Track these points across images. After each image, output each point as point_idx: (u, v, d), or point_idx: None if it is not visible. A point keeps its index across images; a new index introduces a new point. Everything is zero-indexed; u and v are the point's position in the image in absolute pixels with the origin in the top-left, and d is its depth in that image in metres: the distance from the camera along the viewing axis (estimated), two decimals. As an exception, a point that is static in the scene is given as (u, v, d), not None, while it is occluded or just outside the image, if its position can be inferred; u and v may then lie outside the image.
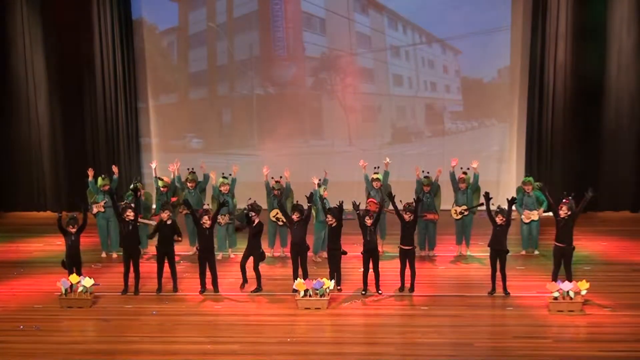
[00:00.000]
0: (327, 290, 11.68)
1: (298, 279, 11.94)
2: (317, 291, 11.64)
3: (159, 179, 14.53)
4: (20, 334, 10.95)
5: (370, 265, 12.10)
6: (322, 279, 11.75)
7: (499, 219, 11.81)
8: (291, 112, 17.84)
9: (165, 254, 12.31)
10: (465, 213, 13.89)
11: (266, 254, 12.84)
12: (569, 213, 11.87)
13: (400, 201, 12.60)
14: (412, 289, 12.20)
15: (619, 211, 17.04)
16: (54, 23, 17.22)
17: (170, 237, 12.26)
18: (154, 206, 14.52)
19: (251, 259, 12.29)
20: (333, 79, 17.66)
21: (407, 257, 12.12)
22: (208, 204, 13.96)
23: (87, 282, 11.85)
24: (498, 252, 11.89)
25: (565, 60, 16.39)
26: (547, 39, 16.36)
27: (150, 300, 12.12)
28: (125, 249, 12.31)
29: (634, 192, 16.98)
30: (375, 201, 13.82)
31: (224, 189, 13.82)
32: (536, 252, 14.13)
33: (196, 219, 12.22)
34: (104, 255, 14.27)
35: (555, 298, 11.38)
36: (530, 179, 14.10)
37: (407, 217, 11.98)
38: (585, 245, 14.13)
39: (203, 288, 12.34)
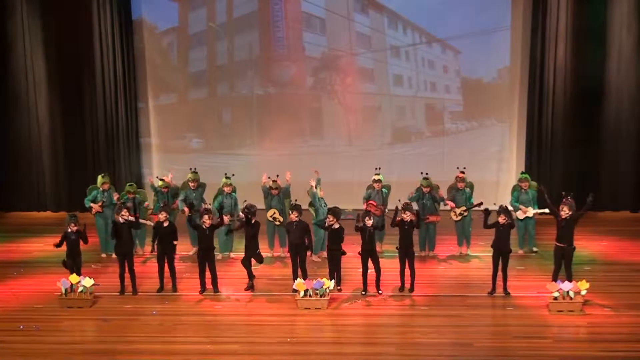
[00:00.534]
0: (327, 290, 11.68)
1: (298, 279, 11.94)
2: (317, 291, 11.64)
3: (159, 179, 14.53)
4: (20, 334, 10.95)
5: (371, 265, 12.11)
6: (322, 279, 11.76)
7: (501, 219, 11.81)
8: (291, 112, 17.83)
9: (165, 253, 12.32)
10: (465, 214, 13.89)
11: (266, 254, 12.86)
12: (570, 213, 11.87)
13: (399, 200, 12.62)
14: (411, 289, 12.21)
15: (619, 211, 17.03)
16: (54, 23, 17.20)
17: (168, 236, 12.26)
18: (150, 207, 14.45)
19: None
20: (333, 79, 17.66)
21: (406, 257, 12.13)
22: (210, 204, 13.97)
23: (87, 282, 11.86)
24: (501, 253, 11.89)
25: (565, 60, 16.38)
26: (547, 39, 16.35)
27: (150, 300, 12.13)
28: (119, 249, 12.33)
29: (634, 192, 16.98)
30: (375, 203, 13.82)
31: (227, 189, 13.81)
32: (535, 249, 14.13)
33: (195, 225, 12.28)
34: (104, 255, 14.26)
35: (555, 298, 11.38)
36: (526, 175, 14.11)
37: (405, 216, 11.97)
38: (585, 245, 14.13)
39: (203, 288, 12.35)
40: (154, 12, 17.75)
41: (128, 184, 14.30)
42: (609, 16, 16.33)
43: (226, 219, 13.66)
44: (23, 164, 17.86)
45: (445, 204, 13.91)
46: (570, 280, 11.60)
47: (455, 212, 13.93)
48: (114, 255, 14.07)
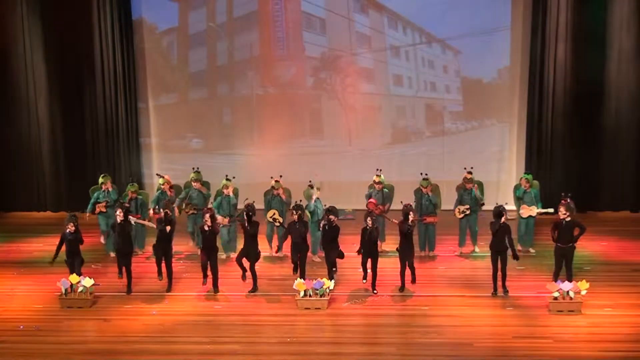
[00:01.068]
0: (327, 290, 11.68)
1: (298, 279, 11.94)
2: (317, 291, 11.64)
3: (160, 176, 14.54)
4: (20, 334, 10.96)
5: (369, 265, 12.12)
6: (322, 279, 11.76)
7: (504, 218, 11.82)
8: (291, 112, 17.83)
9: (164, 252, 12.33)
10: (467, 212, 13.90)
11: (266, 254, 12.86)
12: (567, 214, 11.88)
13: (401, 202, 12.63)
14: (413, 280, 12.19)
15: (619, 211, 17.03)
16: (54, 23, 17.20)
17: (168, 236, 12.27)
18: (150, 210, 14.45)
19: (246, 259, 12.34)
20: (333, 79, 17.65)
21: (406, 258, 12.14)
22: (211, 202, 14.02)
23: (87, 282, 11.87)
24: (499, 253, 11.90)
25: (565, 60, 16.38)
26: (547, 39, 16.35)
27: (150, 300, 12.13)
28: (118, 248, 12.34)
29: (634, 192, 16.97)
30: (375, 201, 13.83)
31: (227, 191, 13.81)
32: (532, 251, 14.14)
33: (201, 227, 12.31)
34: (112, 255, 14.19)
35: (555, 298, 11.39)
36: (529, 176, 14.10)
37: (412, 217, 12.01)
38: (585, 245, 14.13)
39: (205, 278, 12.33)
40: (154, 12, 17.74)
41: (129, 184, 14.30)
42: (609, 16, 16.32)
43: (224, 220, 13.66)
44: (23, 164, 17.85)
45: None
46: (570, 280, 11.60)
47: (459, 209, 13.95)
48: (112, 254, 14.12)
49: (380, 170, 14.19)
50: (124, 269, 12.33)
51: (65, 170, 17.81)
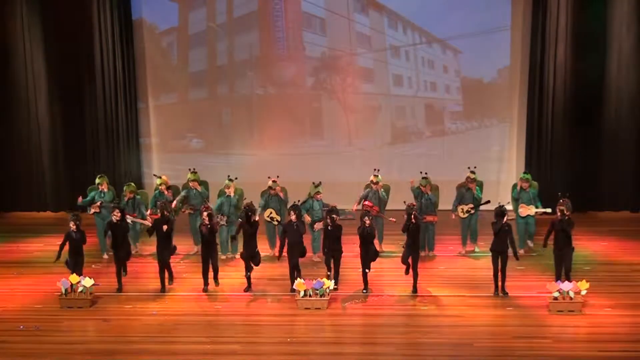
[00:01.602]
0: (327, 290, 11.68)
1: (298, 279, 11.94)
2: (317, 291, 11.64)
3: (157, 177, 14.54)
4: (20, 334, 10.96)
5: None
6: (322, 279, 11.76)
7: (505, 218, 11.82)
8: (291, 112, 17.83)
9: (169, 254, 12.36)
10: (472, 211, 13.90)
11: (266, 254, 12.85)
12: (568, 213, 11.88)
13: (405, 202, 12.62)
14: (414, 290, 12.17)
15: (619, 211, 17.03)
16: (54, 23, 17.20)
17: (167, 236, 12.28)
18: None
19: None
20: (333, 79, 17.65)
21: (412, 257, 12.11)
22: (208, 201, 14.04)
23: (87, 282, 11.86)
24: (499, 253, 11.89)
25: (565, 60, 16.38)
26: (547, 39, 16.35)
27: (150, 300, 12.13)
28: (115, 248, 12.34)
29: (634, 192, 16.97)
30: (370, 203, 13.83)
31: (228, 191, 13.81)
32: (530, 243, 14.12)
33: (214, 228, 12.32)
34: (105, 256, 14.20)
35: (555, 298, 11.38)
36: (527, 176, 14.10)
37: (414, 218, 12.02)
38: (585, 245, 14.13)
39: (206, 286, 12.34)
40: (154, 12, 17.75)
41: (126, 184, 14.31)
42: (609, 16, 16.32)
43: (223, 219, 13.67)
44: (23, 164, 17.86)
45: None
46: (570, 281, 11.60)
47: (462, 209, 13.95)
48: (105, 256, 14.11)
49: (378, 170, 14.18)
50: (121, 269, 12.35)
51: (65, 170, 17.81)
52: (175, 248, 12.58)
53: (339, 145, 17.87)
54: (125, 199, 14.00)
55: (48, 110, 17.63)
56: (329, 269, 12.32)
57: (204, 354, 10.24)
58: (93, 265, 13.60)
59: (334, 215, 12.15)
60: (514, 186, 14.31)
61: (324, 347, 10.38)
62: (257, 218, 12.65)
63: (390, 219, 13.76)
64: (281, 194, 13.96)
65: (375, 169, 14.18)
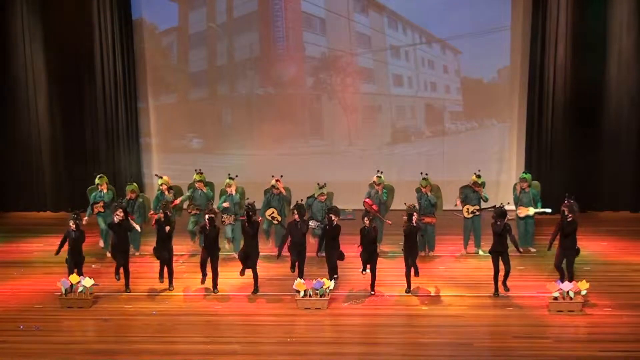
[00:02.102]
0: (327, 290, 11.68)
1: (298, 279, 11.94)
2: (317, 291, 11.64)
3: (159, 177, 14.53)
4: (20, 334, 10.95)
5: (368, 266, 12.13)
6: (322, 279, 11.76)
7: (506, 219, 11.83)
8: (291, 112, 17.83)
9: (168, 253, 12.34)
10: (477, 213, 13.89)
11: (266, 253, 12.83)
12: (570, 215, 11.88)
13: (405, 203, 12.63)
14: (416, 273, 12.18)
15: (619, 211, 17.03)
16: (54, 23, 17.19)
17: (167, 236, 12.28)
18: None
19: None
20: (333, 79, 17.65)
21: (409, 258, 12.11)
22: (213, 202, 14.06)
23: (87, 282, 11.86)
24: (500, 254, 11.89)
25: (565, 60, 16.38)
26: (547, 39, 16.35)
27: (150, 300, 12.13)
28: (115, 247, 12.34)
29: (634, 192, 16.97)
30: (370, 202, 13.82)
31: (230, 189, 13.81)
32: (533, 250, 14.14)
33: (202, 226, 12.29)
34: (109, 254, 14.17)
35: (555, 298, 11.38)
36: (527, 176, 14.09)
37: (415, 217, 12.00)
38: (585, 245, 14.11)
39: (204, 277, 12.32)
40: (154, 12, 17.75)
41: (128, 184, 14.31)
42: (609, 16, 16.32)
43: (229, 219, 13.68)
44: (23, 164, 17.85)
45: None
46: (571, 281, 11.60)
47: (467, 209, 13.94)
48: (108, 254, 14.10)
49: (382, 172, 14.18)
50: (121, 271, 12.32)
51: (65, 170, 17.81)
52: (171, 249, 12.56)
53: (339, 145, 17.87)
54: (127, 198, 14.00)
55: (48, 110, 17.62)
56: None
57: (204, 354, 10.24)
58: (93, 265, 13.60)
59: (332, 215, 12.15)
60: (514, 188, 14.28)
61: (324, 347, 10.38)
62: (260, 219, 12.66)
63: (387, 221, 13.75)
64: (284, 192, 14.00)
65: (378, 170, 14.18)
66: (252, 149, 17.89)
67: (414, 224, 11.97)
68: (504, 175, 17.36)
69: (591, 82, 16.50)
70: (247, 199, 13.40)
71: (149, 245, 13.73)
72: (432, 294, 12.19)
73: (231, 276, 12.87)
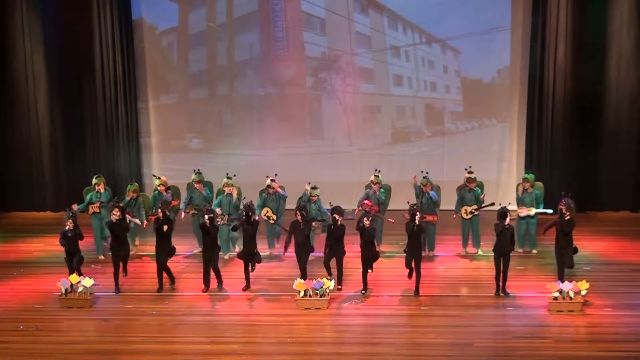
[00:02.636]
0: (327, 290, 11.68)
1: (298, 279, 11.94)
2: (317, 291, 11.64)
3: (156, 177, 14.53)
4: (20, 334, 10.95)
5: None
6: (322, 279, 11.76)
7: (507, 219, 11.82)
8: (291, 112, 17.82)
9: (168, 255, 12.35)
10: (475, 213, 13.89)
11: (266, 253, 12.82)
12: (568, 213, 11.89)
13: (408, 202, 12.62)
14: (416, 293, 12.14)
15: (619, 211, 17.03)
16: (54, 23, 17.19)
17: (166, 236, 12.28)
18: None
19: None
20: (333, 79, 17.65)
21: (412, 259, 12.09)
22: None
23: (87, 282, 11.86)
24: (503, 254, 11.89)
25: (565, 60, 16.37)
26: (547, 39, 16.35)
27: (150, 300, 12.13)
28: (114, 249, 12.34)
29: (634, 192, 16.97)
30: (370, 203, 13.82)
31: (227, 189, 13.81)
32: (534, 252, 14.13)
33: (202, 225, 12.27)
34: (101, 257, 14.16)
35: (555, 298, 11.38)
36: (529, 176, 14.07)
37: (418, 217, 11.99)
38: (585, 245, 14.12)
39: (207, 287, 12.33)
40: (154, 12, 17.75)
41: (130, 184, 14.31)
42: (609, 16, 16.32)
43: (225, 218, 13.66)
44: (23, 164, 17.86)
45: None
46: (562, 280, 11.61)
47: (466, 210, 13.94)
48: (101, 257, 14.08)
49: (379, 171, 14.17)
50: (120, 271, 12.33)
51: (65, 170, 17.81)
52: (174, 249, 12.55)
53: (339, 145, 17.87)
54: (128, 198, 14.00)
55: (48, 110, 17.63)
56: (329, 271, 12.32)
57: (204, 354, 10.24)
58: (92, 265, 13.59)
59: (336, 215, 12.15)
60: (517, 188, 14.26)
61: (324, 347, 10.38)
62: (257, 218, 12.67)
63: (389, 219, 13.75)
64: (280, 191, 14.00)
65: (376, 169, 14.18)
66: (252, 149, 17.88)
67: (417, 224, 11.94)
68: (504, 176, 17.36)
69: (591, 82, 16.49)
70: (244, 198, 13.40)
71: (149, 245, 13.76)
72: (432, 294, 12.19)
73: (231, 276, 12.86)
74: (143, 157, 18.04)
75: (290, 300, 11.86)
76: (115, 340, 10.69)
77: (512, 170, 17.32)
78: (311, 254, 12.59)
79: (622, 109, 16.66)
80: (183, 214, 14.15)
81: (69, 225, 12.02)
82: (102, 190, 14.26)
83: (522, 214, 13.95)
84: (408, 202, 12.60)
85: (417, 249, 12.06)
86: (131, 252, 13.44)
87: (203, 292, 12.30)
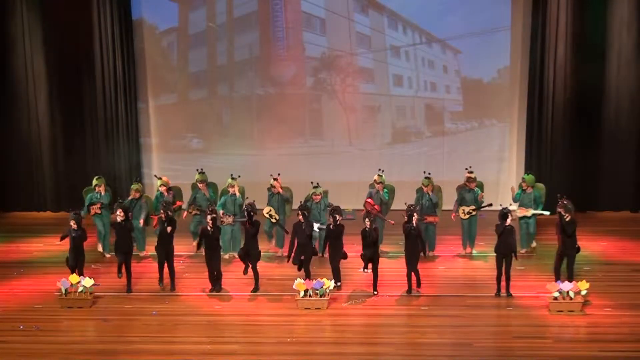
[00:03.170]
0: (327, 290, 11.68)
1: (298, 279, 11.94)
2: (317, 291, 11.64)
3: (158, 178, 14.53)
4: (20, 334, 10.96)
5: (369, 266, 12.12)
6: (322, 279, 11.76)
7: (508, 220, 11.81)
8: (291, 112, 17.82)
9: (166, 254, 12.33)
10: (473, 213, 13.89)
11: (265, 253, 12.82)
12: (567, 215, 11.88)
13: (406, 203, 12.62)
14: (418, 284, 12.16)
15: (619, 211, 17.03)
16: (54, 23, 17.19)
17: (169, 236, 12.28)
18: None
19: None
20: (333, 79, 17.65)
21: (410, 260, 12.08)
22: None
23: (87, 282, 11.87)
24: (504, 255, 11.88)
25: (565, 60, 16.38)
26: (547, 39, 16.35)
27: (150, 300, 12.13)
28: (118, 248, 12.34)
29: (634, 192, 16.97)
30: (372, 202, 13.82)
31: (232, 190, 13.81)
32: (533, 245, 14.12)
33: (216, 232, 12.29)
34: (108, 256, 14.17)
35: (555, 298, 11.38)
36: (528, 177, 14.06)
37: (415, 218, 11.99)
38: (585, 245, 14.10)
39: (213, 287, 12.32)
40: (154, 12, 17.75)
41: (133, 183, 14.30)
42: (609, 16, 16.32)
43: (229, 219, 13.67)
44: (23, 164, 17.86)
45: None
46: (571, 281, 11.60)
47: (464, 210, 13.94)
48: (107, 255, 14.10)
49: (383, 170, 14.18)
50: (123, 269, 12.33)
51: (65, 170, 17.80)
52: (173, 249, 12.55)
53: (339, 145, 17.87)
54: (130, 197, 14.00)
55: (48, 110, 17.62)
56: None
57: (204, 354, 10.24)
58: (93, 265, 13.59)
59: (336, 215, 12.15)
60: (511, 189, 14.28)
61: (324, 347, 10.38)
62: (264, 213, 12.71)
63: (390, 221, 13.75)
64: (281, 191, 13.99)
65: (379, 169, 14.18)
66: (252, 149, 17.88)
67: (414, 225, 11.95)
68: (504, 175, 17.36)
69: (591, 82, 16.50)
70: (247, 198, 13.40)
71: (149, 245, 13.77)
72: (432, 294, 12.19)
73: (232, 276, 12.87)
74: (143, 157, 18.03)
75: (290, 300, 11.86)
76: (115, 340, 10.69)
77: (512, 170, 17.31)
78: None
79: (622, 109, 16.67)
80: (185, 214, 14.18)
81: (73, 225, 12.02)
82: (103, 192, 14.25)
83: (520, 215, 13.94)
84: (405, 203, 12.60)
85: (415, 249, 12.06)
86: (140, 254, 13.52)
87: (210, 291, 12.29)
